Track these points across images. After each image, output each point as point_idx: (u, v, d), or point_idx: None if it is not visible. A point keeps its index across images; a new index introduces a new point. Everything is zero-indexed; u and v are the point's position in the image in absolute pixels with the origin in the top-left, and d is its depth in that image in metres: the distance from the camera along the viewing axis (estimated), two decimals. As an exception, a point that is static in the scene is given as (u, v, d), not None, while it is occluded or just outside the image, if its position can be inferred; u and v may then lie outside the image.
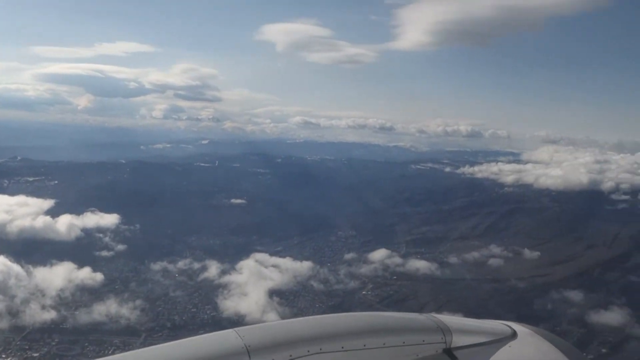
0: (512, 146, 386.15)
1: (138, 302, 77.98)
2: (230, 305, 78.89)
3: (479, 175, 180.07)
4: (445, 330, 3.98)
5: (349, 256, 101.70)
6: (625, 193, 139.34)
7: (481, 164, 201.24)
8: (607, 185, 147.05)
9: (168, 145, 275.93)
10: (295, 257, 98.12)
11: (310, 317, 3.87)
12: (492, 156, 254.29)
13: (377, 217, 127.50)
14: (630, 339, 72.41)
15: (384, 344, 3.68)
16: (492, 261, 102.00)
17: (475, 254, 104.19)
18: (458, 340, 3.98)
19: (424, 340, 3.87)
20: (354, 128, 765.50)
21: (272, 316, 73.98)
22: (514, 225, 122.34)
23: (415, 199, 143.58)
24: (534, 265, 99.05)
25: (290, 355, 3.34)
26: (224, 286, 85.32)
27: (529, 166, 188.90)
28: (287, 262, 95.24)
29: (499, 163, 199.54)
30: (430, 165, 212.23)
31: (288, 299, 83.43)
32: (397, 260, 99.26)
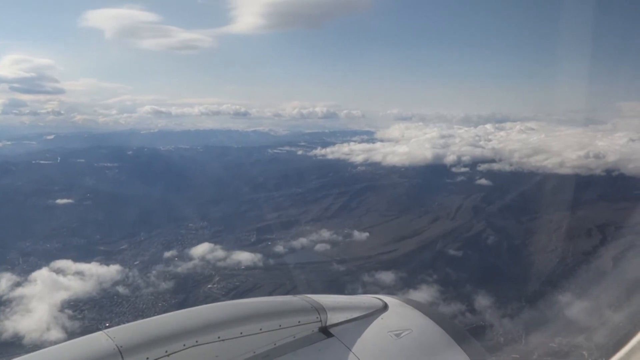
0: (369, 125, 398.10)
1: None
2: (9, 325, 69.66)
3: (331, 156, 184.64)
4: (319, 309, 3.97)
5: (168, 254, 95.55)
6: (465, 165, 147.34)
7: (334, 144, 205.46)
8: (450, 158, 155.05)
9: (8, 143, 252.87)
10: (139, 254, 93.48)
11: (184, 310, 3.60)
12: (348, 136, 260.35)
13: (230, 205, 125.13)
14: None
15: (260, 329, 3.59)
16: (342, 242, 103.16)
17: (323, 236, 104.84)
18: (333, 318, 4.00)
19: (299, 322, 3.83)
20: (208, 115, 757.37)
21: (55, 333, 66.93)
22: (365, 203, 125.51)
23: (270, 184, 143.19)
24: (382, 243, 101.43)
25: (166, 351, 3.13)
26: (10, 302, 76.24)
27: (378, 145, 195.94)
28: (93, 268, 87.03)
29: (351, 143, 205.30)
30: (287, 148, 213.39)
31: (86, 309, 75.71)
32: (220, 254, 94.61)
